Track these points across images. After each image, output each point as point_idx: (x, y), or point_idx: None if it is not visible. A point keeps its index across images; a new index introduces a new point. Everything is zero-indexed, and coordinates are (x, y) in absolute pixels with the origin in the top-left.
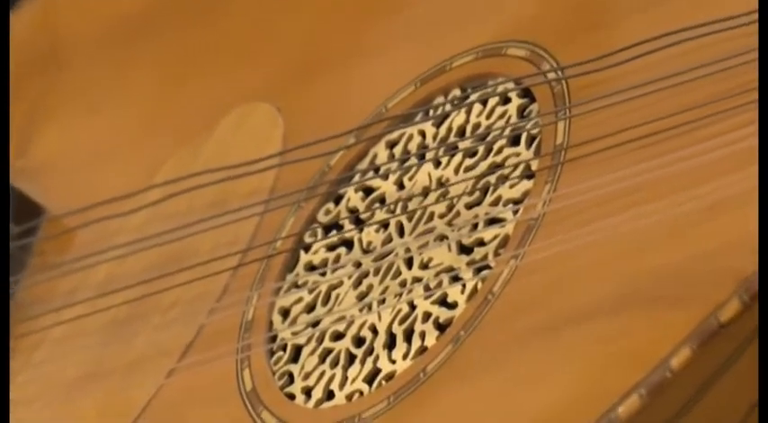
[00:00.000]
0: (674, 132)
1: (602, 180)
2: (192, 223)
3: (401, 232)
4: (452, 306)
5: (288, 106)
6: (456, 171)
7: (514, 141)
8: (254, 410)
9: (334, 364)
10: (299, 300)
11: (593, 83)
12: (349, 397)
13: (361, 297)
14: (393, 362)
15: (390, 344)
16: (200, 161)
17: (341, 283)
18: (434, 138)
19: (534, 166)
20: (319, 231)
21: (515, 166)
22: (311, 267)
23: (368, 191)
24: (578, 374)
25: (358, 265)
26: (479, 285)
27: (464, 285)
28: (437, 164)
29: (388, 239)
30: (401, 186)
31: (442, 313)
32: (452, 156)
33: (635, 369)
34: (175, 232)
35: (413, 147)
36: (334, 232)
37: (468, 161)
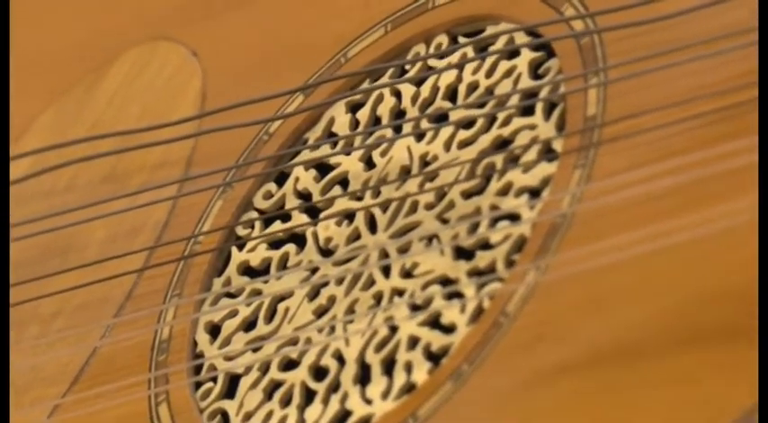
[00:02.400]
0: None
1: (652, 169)
2: (75, 207)
3: (372, 227)
4: (449, 329)
5: (207, 49)
6: (446, 147)
7: (527, 110)
8: None
9: (286, 402)
10: (233, 314)
11: (633, 34)
12: None
13: (320, 313)
14: (368, 402)
15: (363, 377)
16: (85, 119)
17: (291, 294)
18: (414, 101)
19: (557, 145)
20: (257, 222)
21: (530, 144)
22: (248, 271)
23: (323, 169)
24: None
25: (314, 269)
26: (486, 303)
27: (464, 303)
28: (419, 136)
29: (355, 236)
30: (369, 164)
31: (435, 338)
32: (440, 126)
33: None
34: (53, 218)
35: (384, 112)
36: (277, 224)
37: (464, 134)
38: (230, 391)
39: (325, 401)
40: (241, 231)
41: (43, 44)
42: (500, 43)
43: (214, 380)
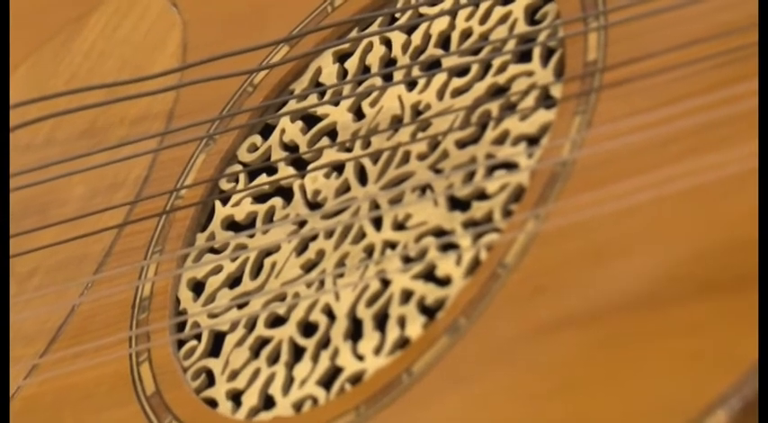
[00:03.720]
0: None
1: (655, 114)
2: (54, 161)
3: (362, 179)
4: (444, 282)
5: (187, 1)
6: (440, 95)
7: (523, 56)
8: (158, 421)
9: (273, 359)
10: (217, 270)
11: None
12: (297, 406)
13: (309, 267)
14: (360, 358)
15: (355, 333)
16: (62, 73)
17: (277, 248)
18: (405, 49)
19: (556, 91)
20: (242, 176)
21: (527, 91)
22: (233, 225)
23: (310, 120)
24: (628, 382)
25: (301, 223)
26: (483, 255)
27: (460, 254)
28: (411, 85)
29: (345, 188)
30: (359, 115)
31: (430, 292)
32: (433, 74)
33: (715, 375)
34: (30, 173)
35: (373, 61)
36: (263, 177)
37: (457, 82)
38: (215, 349)
39: (315, 358)
40: (225, 185)
41: None
42: None
43: (198, 338)
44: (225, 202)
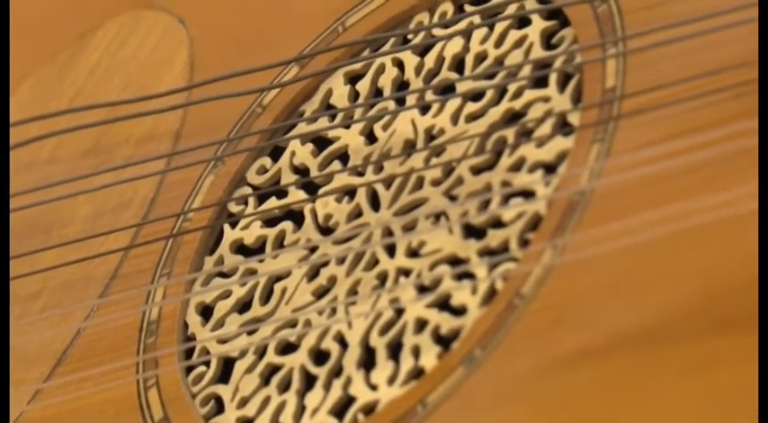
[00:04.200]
0: None
1: (676, 144)
2: (59, 181)
3: (375, 204)
4: (459, 312)
5: (195, 16)
6: (454, 120)
7: (539, 82)
8: None
9: (284, 387)
10: (226, 294)
11: (651, 4)
12: None
13: (320, 294)
14: (373, 388)
15: (367, 362)
16: (66, 90)
17: (288, 274)
18: (418, 72)
19: (573, 118)
20: (251, 199)
21: (544, 117)
22: (242, 249)
23: (321, 143)
24: (645, 417)
25: (312, 248)
26: (499, 284)
27: (475, 283)
28: (424, 109)
29: (357, 213)
30: (371, 138)
31: (445, 321)
32: (447, 98)
33: (733, 412)
34: (34, 192)
35: (385, 83)
36: (273, 200)
37: (472, 106)
38: (224, 375)
39: (327, 387)
40: (234, 208)
41: (23, 12)
42: (509, 11)
43: (207, 364)
44: (234, 225)
